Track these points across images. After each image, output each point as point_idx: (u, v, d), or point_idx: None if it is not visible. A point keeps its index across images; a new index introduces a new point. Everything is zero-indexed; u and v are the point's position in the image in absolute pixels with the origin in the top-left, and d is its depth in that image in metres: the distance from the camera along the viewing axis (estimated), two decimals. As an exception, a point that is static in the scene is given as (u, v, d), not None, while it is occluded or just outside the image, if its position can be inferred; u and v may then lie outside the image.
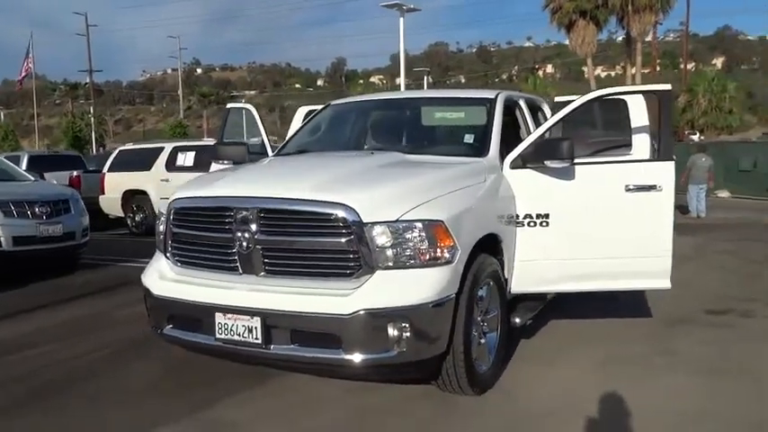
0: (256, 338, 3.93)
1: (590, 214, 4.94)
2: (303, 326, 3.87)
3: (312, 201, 3.90)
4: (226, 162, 5.84)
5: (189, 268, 4.36)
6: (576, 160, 4.74)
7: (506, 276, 4.82)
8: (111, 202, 14.79)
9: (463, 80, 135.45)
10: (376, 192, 4.02)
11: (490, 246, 4.52)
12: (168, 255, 4.44)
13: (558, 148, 4.64)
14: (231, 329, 3.99)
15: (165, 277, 4.42)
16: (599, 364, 5.06)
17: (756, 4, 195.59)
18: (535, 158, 4.81)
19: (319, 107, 6.52)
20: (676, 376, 4.81)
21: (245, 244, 3.99)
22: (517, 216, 4.90)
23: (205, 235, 4.25)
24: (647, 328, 6.10)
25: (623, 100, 5.81)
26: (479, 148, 5.08)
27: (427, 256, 3.87)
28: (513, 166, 4.93)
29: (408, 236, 3.84)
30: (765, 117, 76.11)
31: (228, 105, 6.88)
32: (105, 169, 15.08)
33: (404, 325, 3.76)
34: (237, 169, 4.92)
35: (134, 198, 14.55)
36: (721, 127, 36.52)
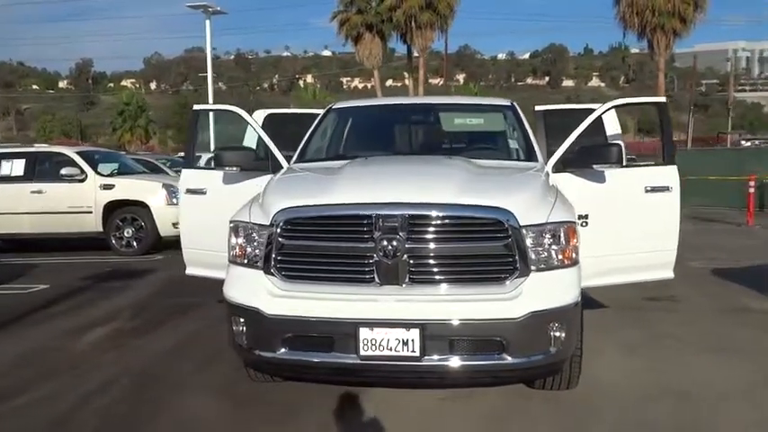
0: (413, 351, 3.73)
1: (619, 214, 5.40)
2: (465, 333, 3.77)
3: (470, 206, 3.83)
4: (229, 168, 5.34)
5: (301, 283, 3.96)
6: None
7: None
8: None
9: (224, 87, 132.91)
10: (521, 196, 4.07)
11: None
12: (273, 270, 3.98)
13: (609, 153, 5.00)
14: (380, 344, 3.74)
15: (276, 294, 3.96)
16: (628, 351, 5.56)
17: (489, 28, 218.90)
18: (581, 163, 5.13)
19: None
20: (690, 354, 5.50)
21: (390, 253, 3.77)
22: None
23: (331, 245, 3.91)
24: (619, 316, 6.75)
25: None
26: (528, 153, 5.32)
27: (566, 257, 3.99)
28: (555, 170, 5.21)
29: (553, 238, 3.94)
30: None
31: (196, 107, 6.16)
32: None
33: (560, 324, 3.85)
34: (341, 173, 4.46)
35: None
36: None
